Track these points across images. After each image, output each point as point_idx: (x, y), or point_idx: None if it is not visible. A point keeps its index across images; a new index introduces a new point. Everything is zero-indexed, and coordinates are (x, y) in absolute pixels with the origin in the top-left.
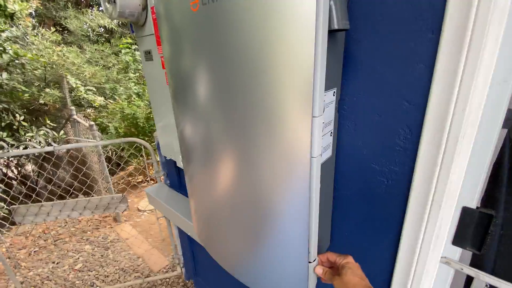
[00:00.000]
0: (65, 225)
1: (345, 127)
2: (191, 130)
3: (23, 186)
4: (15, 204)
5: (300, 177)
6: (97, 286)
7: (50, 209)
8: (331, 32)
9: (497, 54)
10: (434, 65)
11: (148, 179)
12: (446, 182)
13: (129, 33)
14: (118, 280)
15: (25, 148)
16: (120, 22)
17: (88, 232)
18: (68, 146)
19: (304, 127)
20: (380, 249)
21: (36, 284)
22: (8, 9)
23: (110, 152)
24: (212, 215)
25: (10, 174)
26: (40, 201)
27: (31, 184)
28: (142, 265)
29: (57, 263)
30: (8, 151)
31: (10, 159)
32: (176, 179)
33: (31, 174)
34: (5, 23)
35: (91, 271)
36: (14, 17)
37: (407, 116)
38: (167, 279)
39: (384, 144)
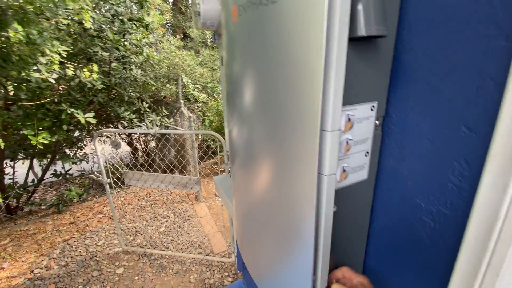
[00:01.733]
0: (161, 194)
1: (390, 149)
2: (233, 130)
3: (146, 157)
4: (142, 170)
5: (307, 193)
6: (170, 249)
7: (147, 178)
8: (362, 39)
9: None
10: (506, 82)
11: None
12: (510, 244)
13: None
14: (185, 250)
15: (134, 127)
16: None
17: (175, 203)
18: (162, 131)
19: (312, 140)
20: None
21: (131, 234)
22: (144, 21)
23: (209, 142)
24: (242, 216)
25: (139, 146)
26: (157, 171)
27: (151, 156)
28: (206, 243)
29: (148, 222)
30: (123, 128)
31: (141, 136)
32: None
33: (153, 149)
34: (146, 32)
35: (169, 236)
36: (148, 28)
37: (466, 147)
38: (222, 263)
39: (433, 178)
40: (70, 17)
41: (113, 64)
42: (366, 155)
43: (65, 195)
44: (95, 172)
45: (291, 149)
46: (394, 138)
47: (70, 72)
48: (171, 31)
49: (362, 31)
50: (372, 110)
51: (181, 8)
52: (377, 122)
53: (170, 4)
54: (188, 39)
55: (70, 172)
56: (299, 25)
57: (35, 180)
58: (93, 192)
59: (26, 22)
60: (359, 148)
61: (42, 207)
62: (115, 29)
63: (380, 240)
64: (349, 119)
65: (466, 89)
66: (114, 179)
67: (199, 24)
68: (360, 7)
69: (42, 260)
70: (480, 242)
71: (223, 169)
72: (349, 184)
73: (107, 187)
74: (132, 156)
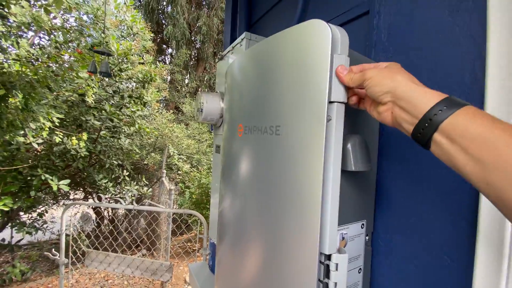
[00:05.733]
0: (122, 277)
1: (380, 267)
2: (225, 217)
3: (111, 227)
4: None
5: None
6: None
7: (112, 260)
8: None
9: None
10: (477, 225)
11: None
12: None
13: None
14: None
15: (116, 202)
16: None
17: None
18: (143, 207)
19: (312, 264)
20: None
21: None
22: (144, 99)
23: (184, 216)
24: None
25: (105, 214)
26: (122, 245)
27: (117, 227)
28: None
29: None
30: (101, 202)
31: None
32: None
33: (121, 218)
34: (142, 106)
35: None
36: (146, 104)
37: (450, 276)
38: None
39: None
40: (73, 90)
41: (102, 132)
42: (359, 272)
43: (6, 273)
44: (52, 250)
45: (288, 274)
46: (383, 255)
47: (57, 139)
48: (164, 104)
49: (352, 167)
50: (362, 227)
51: (177, 87)
52: (367, 238)
53: (168, 82)
54: (180, 113)
55: (19, 241)
56: (299, 157)
57: None
58: (39, 269)
59: (30, 95)
60: (352, 265)
61: None
62: (113, 102)
63: None
64: (343, 238)
65: (444, 224)
66: (71, 255)
67: (200, 118)
68: (349, 146)
69: None
70: None
71: (199, 254)
72: None
73: (62, 268)
74: (96, 225)
